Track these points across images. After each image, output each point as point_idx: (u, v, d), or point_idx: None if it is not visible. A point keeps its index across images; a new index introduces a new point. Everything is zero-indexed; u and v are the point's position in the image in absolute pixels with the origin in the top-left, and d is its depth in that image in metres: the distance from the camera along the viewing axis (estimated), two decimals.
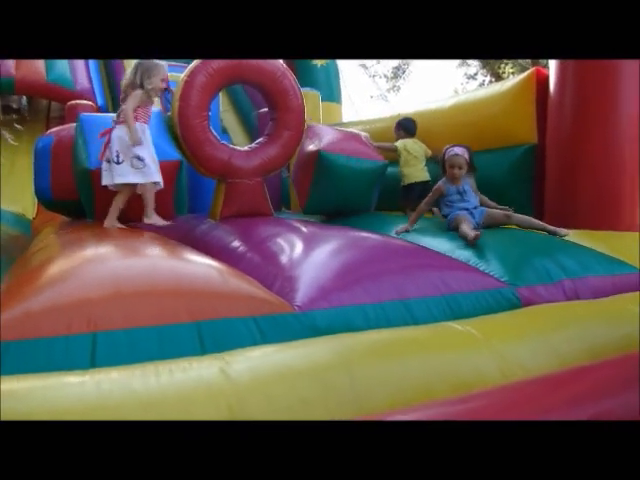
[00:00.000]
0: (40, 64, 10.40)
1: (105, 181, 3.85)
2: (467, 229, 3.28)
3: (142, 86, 3.94)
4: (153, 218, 4.02)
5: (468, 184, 3.70)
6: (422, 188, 4.77)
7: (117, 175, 3.79)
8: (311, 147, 4.62)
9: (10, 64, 10.00)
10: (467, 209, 3.57)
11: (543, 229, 3.43)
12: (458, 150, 3.68)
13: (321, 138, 4.65)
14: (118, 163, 3.77)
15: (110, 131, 3.87)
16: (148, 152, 3.84)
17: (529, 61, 17.51)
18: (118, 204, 3.94)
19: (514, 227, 3.55)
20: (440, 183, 3.72)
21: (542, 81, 4.50)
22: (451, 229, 3.54)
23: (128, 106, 3.85)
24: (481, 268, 2.90)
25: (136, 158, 3.78)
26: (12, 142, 10.22)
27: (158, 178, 3.87)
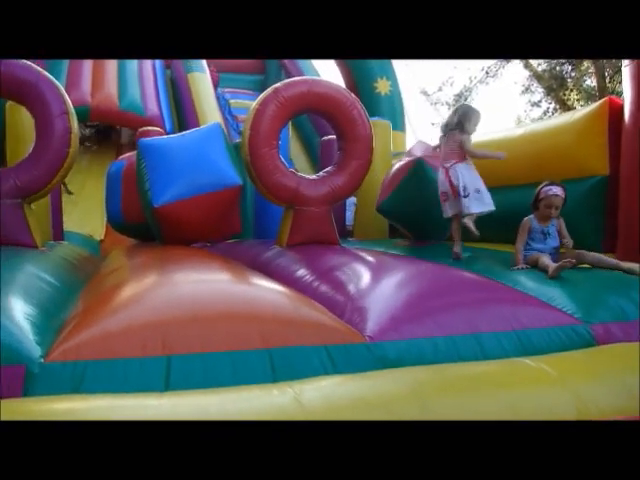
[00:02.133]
0: (113, 92, 10.84)
1: (447, 214, 4.19)
2: (548, 261, 3.23)
3: (462, 127, 4.11)
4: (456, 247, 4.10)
5: (555, 226, 3.59)
6: None
7: (465, 207, 4.04)
8: (415, 152, 4.70)
9: (85, 92, 10.45)
10: (543, 251, 3.50)
11: (617, 267, 3.31)
12: (557, 190, 3.55)
13: (425, 150, 4.68)
14: (465, 196, 4.00)
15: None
16: (482, 184, 4.09)
17: (595, 87, 17.17)
18: (458, 231, 4.14)
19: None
20: (527, 220, 3.62)
21: (615, 111, 4.39)
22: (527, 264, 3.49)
23: (468, 147, 4.09)
24: (553, 304, 2.83)
25: (476, 190, 4.03)
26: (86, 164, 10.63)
27: (492, 207, 4.07)
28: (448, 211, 4.14)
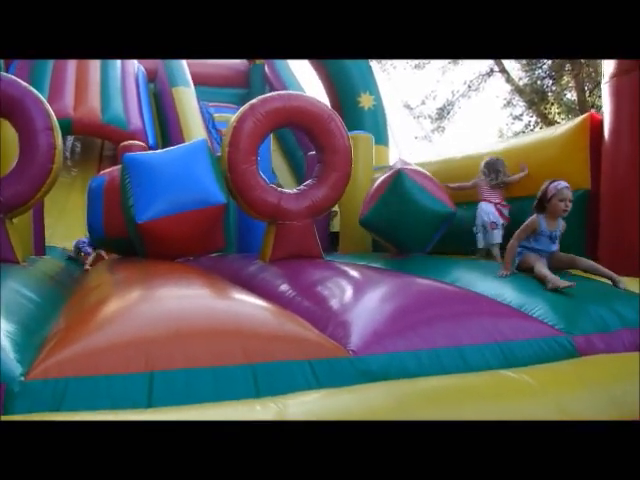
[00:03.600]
0: (96, 105, 10.80)
1: (480, 245, 4.77)
2: (546, 270, 3.23)
3: (497, 177, 4.74)
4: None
5: (560, 230, 3.56)
6: None
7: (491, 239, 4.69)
8: (395, 165, 4.74)
9: (68, 105, 10.41)
10: (542, 255, 3.48)
11: (609, 277, 3.32)
12: (566, 183, 3.51)
13: (406, 165, 4.73)
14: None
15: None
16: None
17: (575, 100, 17.40)
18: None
19: (574, 272, 3.49)
20: (535, 219, 3.52)
21: (596, 126, 4.46)
22: (519, 268, 3.49)
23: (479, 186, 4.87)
24: (535, 315, 2.86)
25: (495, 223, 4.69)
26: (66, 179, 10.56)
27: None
28: (498, 238, 4.65)
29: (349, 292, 2.96)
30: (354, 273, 3.47)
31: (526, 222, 3.56)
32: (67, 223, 9.87)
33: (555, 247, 3.55)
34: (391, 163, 4.99)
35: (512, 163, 5.02)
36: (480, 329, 2.58)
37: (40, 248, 6.53)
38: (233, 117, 4.57)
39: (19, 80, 4.25)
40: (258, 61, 13.59)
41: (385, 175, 4.68)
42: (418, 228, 4.62)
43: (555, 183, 3.53)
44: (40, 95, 4.27)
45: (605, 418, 2.00)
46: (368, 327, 2.46)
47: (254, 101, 4.52)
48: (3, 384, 1.89)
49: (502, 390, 2.06)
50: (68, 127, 10.03)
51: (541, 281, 3.21)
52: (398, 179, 4.46)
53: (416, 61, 20.74)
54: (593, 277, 3.40)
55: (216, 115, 12.58)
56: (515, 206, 4.82)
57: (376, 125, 9.90)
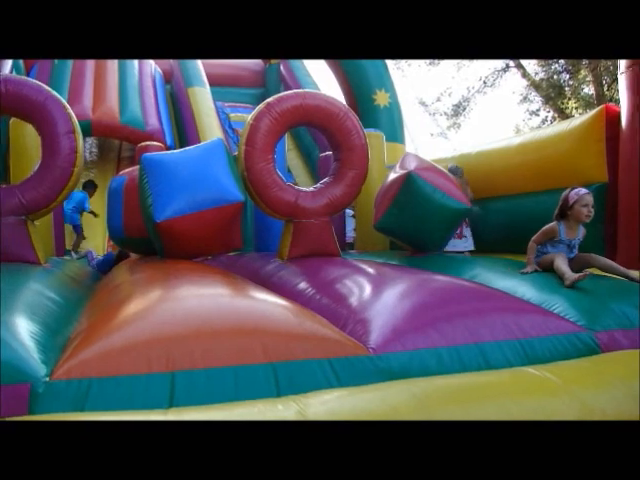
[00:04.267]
0: (114, 106, 10.89)
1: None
2: (565, 266, 3.20)
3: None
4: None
5: (580, 239, 3.54)
6: None
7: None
8: (406, 165, 4.63)
9: (87, 107, 10.51)
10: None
11: (624, 275, 3.30)
12: (586, 190, 3.51)
13: (415, 163, 4.64)
14: None
15: None
16: None
17: (593, 95, 17.23)
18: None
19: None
20: (554, 226, 3.52)
21: (612, 118, 4.42)
22: (540, 266, 3.47)
23: None
24: (556, 311, 2.84)
25: None
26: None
27: None
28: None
29: (368, 290, 2.96)
30: (372, 270, 3.47)
31: (545, 227, 3.56)
32: (87, 223, 9.98)
33: (573, 254, 3.53)
34: (400, 160, 4.91)
35: (527, 158, 4.99)
36: (500, 326, 2.57)
37: (60, 249, 6.61)
38: (249, 116, 4.58)
39: (42, 84, 4.30)
40: (273, 61, 13.60)
41: (395, 176, 4.64)
42: (434, 227, 4.60)
43: (576, 190, 3.53)
44: (62, 99, 4.31)
45: (629, 416, 1.99)
46: (388, 324, 2.46)
47: (270, 99, 4.53)
48: (28, 384, 1.91)
49: (524, 387, 2.05)
50: (87, 129, 10.10)
51: (560, 277, 3.19)
52: (409, 181, 4.44)
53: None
54: (611, 275, 3.38)
55: (232, 115, 12.63)
56: (532, 201, 4.79)
57: (392, 123, 9.88)
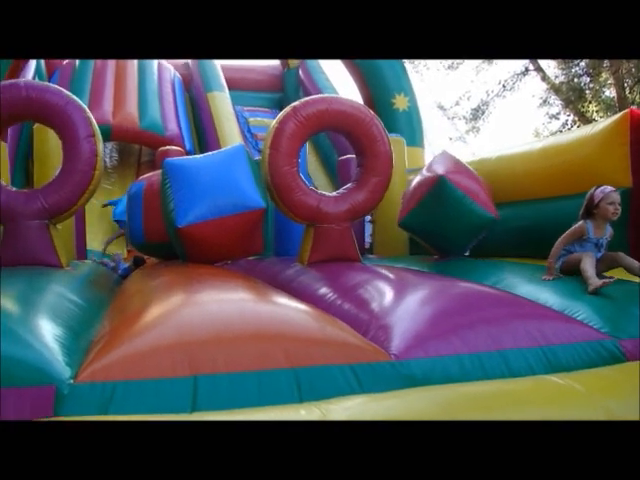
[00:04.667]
0: (134, 111, 10.99)
1: None
2: (591, 270, 3.14)
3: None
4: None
5: (607, 238, 3.49)
6: None
7: None
8: (437, 167, 4.59)
9: (107, 112, 10.61)
10: None
11: None
12: (612, 187, 3.47)
13: (448, 166, 4.60)
14: None
15: None
16: None
17: (614, 98, 17.05)
18: None
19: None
20: (582, 225, 3.47)
21: (637, 122, 4.35)
22: (562, 270, 3.41)
23: None
24: (579, 318, 2.81)
25: None
26: (107, 186, 10.80)
27: None
28: None
29: (389, 295, 2.95)
30: (393, 276, 3.46)
31: (573, 227, 3.50)
32: (107, 227, 10.07)
33: (601, 254, 3.47)
34: (434, 158, 4.88)
35: (549, 163, 4.94)
36: (523, 333, 2.55)
37: (81, 252, 6.68)
38: (274, 119, 4.59)
39: (63, 90, 4.36)
40: (292, 65, 13.65)
41: (424, 177, 4.62)
42: (459, 232, 4.58)
43: (601, 188, 3.49)
44: (82, 104, 4.36)
45: None
46: (410, 331, 2.45)
47: (296, 103, 4.53)
48: (53, 386, 1.93)
49: (548, 396, 2.03)
50: (107, 133, 10.20)
51: (584, 279, 3.14)
52: (440, 184, 4.41)
53: (449, 61, 20.60)
54: (636, 279, 3.33)
55: (251, 119, 12.69)
56: (554, 206, 4.74)
57: (411, 127, 9.85)
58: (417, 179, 4.84)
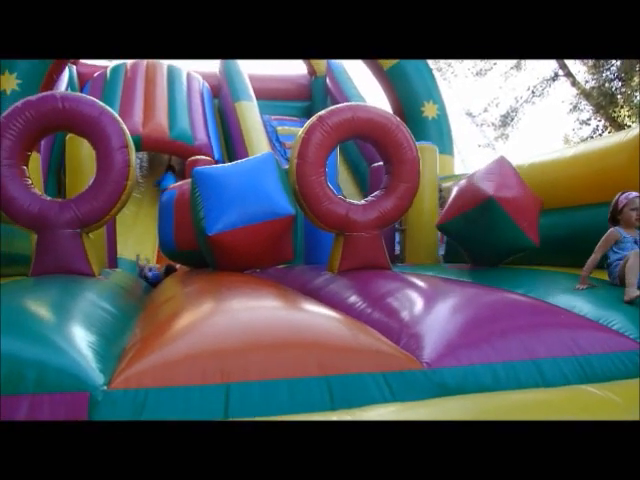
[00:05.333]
0: (163, 121, 11.13)
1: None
2: (633, 279, 3.08)
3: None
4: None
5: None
6: None
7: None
8: (487, 184, 4.38)
9: (137, 122, 10.76)
10: None
11: None
12: (636, 193, 3.46)
13: (501, 181, 4.42)
14: None
15: None
16: None
17: None
18: None
19: None
20: (614, 230, 3.45)
21: None
22: (620, 281, 3.29)
23: None
24: (614, 327, 2.75)
25: None
26: (137, 195, 10.94)
27: None
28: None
29: (420, 303, 2.93)
30: (424, 284, 3.44)
31: (605, 235, 3.47)
32: (137, 236, 10.20)
33: None
34: (490, 164, 4.75)
35: (581, 170, 4.87)
36: (557, 342, 2.51)
37: (112, 261, 6.76)
38: (301, 129, 4.60)
39: (96, 101, 4.43)
40: (319, 74, 13.71)
41: (475, 191, 4.43)
42: (495, 249, 4.55)
43: (625, 194, 3.49)
44: (116, 114, 4.43)
45: None
46: (442, 339, 2.43)
47: (322, 112, 4.55)
48: (87, 393, 1.96)
49: (584, 406, 1.99)
50: (137, 144, 10.31)
51: (622, 281, 3.11)
52: (488, 204, 4.29)
53: (477, 68, 20.48)
54: None
55: (279, 128, 12.77)
56: (587, 214, 4.67)
57: (440, 134, 9.81)
58: (464, 185, 4.71)
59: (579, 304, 3.10)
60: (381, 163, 5.48)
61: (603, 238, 3.47)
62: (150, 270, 7.01)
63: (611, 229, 3.48)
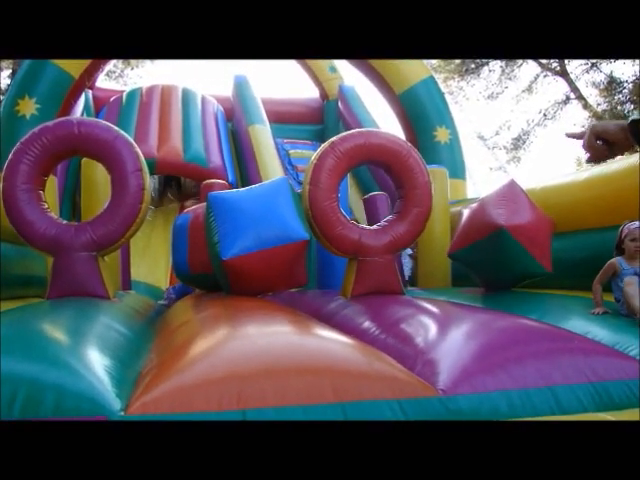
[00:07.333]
0: (178, 144, 11.22)
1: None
2: (636, 300, 3.10)
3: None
4: None
5: None
6: None
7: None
8: (498, 213, 4.34)
9: (152, 146, 10.87)
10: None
11: None
12: (638, 223, 3.47)
13: (512, 208, 4.39)
14: None
15: None
16: None
17: None
18: None
19: None
20: (614, 260, 3.47)
21: None
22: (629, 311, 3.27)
23: None
24: (632, 354, 2.74)
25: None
26: (149, 218, 11.00)
27: None
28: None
29: (435, 329, 2.93)
30: (438, 309, 3.44)
31: (605, 266, 3.51)
32: (150, 259, 10.24)
33: None
34: (501, 187, 4.74)
35: (595, 193, 4.88)
36: (573, 368, 2.49)
37: (127, 283, 6.80)
38: (314, 153, 4.64)
39: (111, 125, 4.51)
40: (331, 97, 13.82)
41: (487, 218, 4.42)
42: (508, 275, 4.57)
43: (629, 224, 3.51)
44: (130, 139, 4.50)
45: None
46: (457, 365, 2.42)
47: (334, 139, 4.59)
48: (104, 417, 1.97)
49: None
50: (152, 167, 10.39)
51: (631, 311, 3.10)
52: (499, 235, 4.28)
53: (489, 91, 20.57)
54: None
55: (291, 151, 12.84)
56: (600, 237, 4.66)
57: (453, 159, 9.84)
58: (474, 212, 4.72)
59: (594, 329, 3.09)
60: (374, 194, 5.54)
61: (603, 268, 3.51)
62: (174, 288, 7.07)
63: (611, 260, 3.49)
